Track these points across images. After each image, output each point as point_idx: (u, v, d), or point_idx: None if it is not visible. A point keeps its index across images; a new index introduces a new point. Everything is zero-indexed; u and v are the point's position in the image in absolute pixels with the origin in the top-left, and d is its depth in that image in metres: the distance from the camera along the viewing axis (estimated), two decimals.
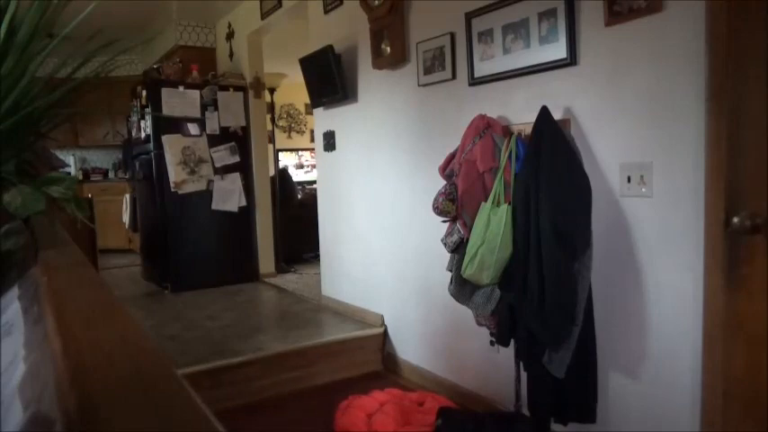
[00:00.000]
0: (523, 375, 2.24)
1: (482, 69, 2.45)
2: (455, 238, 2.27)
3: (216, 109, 4.77)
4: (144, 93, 4.64)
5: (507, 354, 2.34)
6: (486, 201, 2.12)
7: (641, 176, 1.88)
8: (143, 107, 4.69)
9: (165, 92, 4.55)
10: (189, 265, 4.70)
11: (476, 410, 2.56)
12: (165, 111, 4.50)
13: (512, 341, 2.19)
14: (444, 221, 2.34)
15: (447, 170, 2.36)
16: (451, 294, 2.34)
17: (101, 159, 7.71)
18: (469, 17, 2.47)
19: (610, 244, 1.99)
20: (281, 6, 4.28)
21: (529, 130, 2.07)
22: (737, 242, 1.64)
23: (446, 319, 2.82)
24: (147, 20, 5.72)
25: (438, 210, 2.30)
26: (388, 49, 3.04)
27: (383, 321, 3.30)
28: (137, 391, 0.37)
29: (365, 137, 3.41)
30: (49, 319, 0.54)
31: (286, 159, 8.42)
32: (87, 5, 1.15)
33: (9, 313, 0.76)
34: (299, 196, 6.18)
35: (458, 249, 2.26)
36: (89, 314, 0.57)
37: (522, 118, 2.23)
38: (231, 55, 5.34)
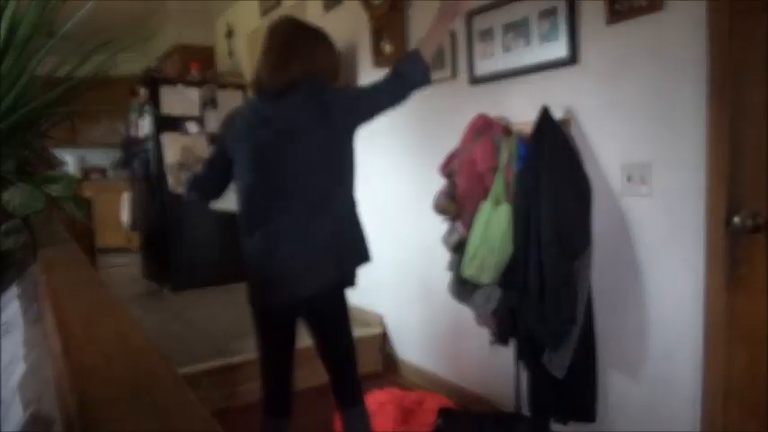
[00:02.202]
0: (523, 375, 2.24)
1: (482, 68, 2.45)
2: (455, 237, 2.26)
3: (215, 107, 4.76)
4: (143, 91, 4.63)
5: (507, 354, 2.34)
6: (486, 200, 2.11)
7: (642, 176, 1.88)
8: (142, 106, 4.68)
9: (164, 90, 4.54)
10: (188, 263, 4.69)
11: (476, 410, 2.56)
12: (164, 109, 4.49)
13: (512, 341, 2.18)
14: (445, 221, 2.34)
15: (447, 169, 2.36)
16: (451, 294, 2.33)
17: (100, 158, 7.70)
18: (470, 16, 2.46)
19: (610, 243, 1.99)
20: (280, 5, 4.27)
21: (529, 129, 2.07)
22: (738, 242, 1.64)
23: (446, 319, 2.82)
24: (146, 18, 5.72)
25: (438, 209, 2.30)
26: (388, 47, 3.04)
27: (383, 321, 3.30)
28: (136, 391, 0.37)
29: (364, 136, 3.40)
30: (49, 317, 0.54)
31: None
32: (86, 4, 1.15)
33: (9, 312, 0.76)
34: None
35: (458, 249, 2.26)
36: (88, 313, 0.57)
37: (523, 117, 2.22)
38: (230, 53, 5.34)
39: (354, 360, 1.75)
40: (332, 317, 1.71)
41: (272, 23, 1.71)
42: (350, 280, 1.70)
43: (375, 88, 1.63)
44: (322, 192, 1.63)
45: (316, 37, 1.69)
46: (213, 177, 1.79)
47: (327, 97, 1.60)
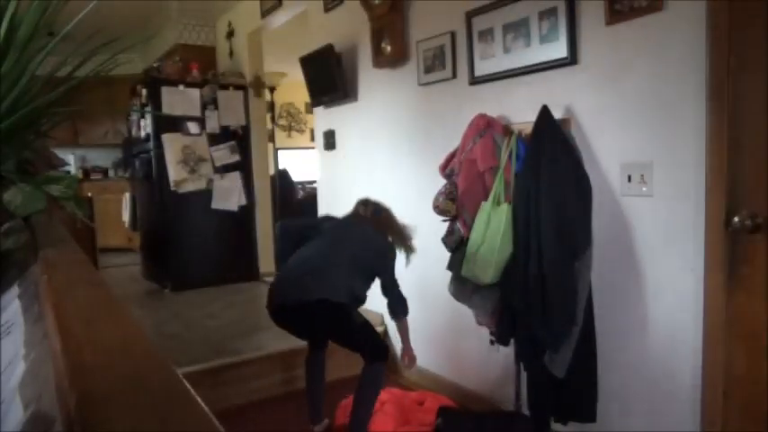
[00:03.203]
0: (523, 375, 2.24)
1: (482, 68, 2.45)
2: (455, 237, 2.26)
3: (216, 108, 4.76)
4: (144, 91, 4.63)
5: (507, 353, 2.34)
6: (486, 200, 2.12)
7: (642, 175, 1.88)
8: (143, 106, 4.68)
9: (165, 90, 4.54)
10: (189, 263, 4.69)
11: (476, 410, 2.56)
12: (165, 109, 4.49)
13: (512, 341, 2.19)
14: (444, 221, 2.34)
15: (447, 169, 2.36)
16: (452, 294, 2.34)
17: (101, 158, 7.70)
18: (470, 16, 2.46)
19: (610, 243, 1.99)
20: (281, 5, 4.28)
21: (529, 129, 2.07)
22: (738, 242, 1.64)
23: (446, 319, 2.82)
24: (147, 18, 5.72)
25: (438, 209, 2.30)
26: (389, 47, 3.04)
27: (383, 321, 3.29)
28: (137, 390, 0.37)
29: (365, 136, 3.40)
30: (49, 317, 0.54)
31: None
32: (87, 4, 1.15)
33: (9, 312, 0.76)
34: (300, 195, 6.18)
35: (458, 249, 2.26)
36: (89, 313, 0.57)
37: (523, 117, 2.22)
38: (231, 54, 5.34)
39: (365, 343, 2.23)
40: (337, 327, 2.26)
41: (382, 208, 2.53)
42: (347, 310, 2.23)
43: (393, 292, 2.38)
44: (347, 271, 2.27)
45: (402, 229, 2.48)
46: (299, 232, 2.47)
47: (380, 254, 2.37)
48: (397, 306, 2.36)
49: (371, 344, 2.24)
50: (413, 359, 2.43)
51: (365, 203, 2.52)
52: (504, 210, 2.04)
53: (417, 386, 2.96)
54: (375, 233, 2.39)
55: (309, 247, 2.35)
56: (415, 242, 2.47)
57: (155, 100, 4.52)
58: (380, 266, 2.33)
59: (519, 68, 2.26)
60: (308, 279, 2.19)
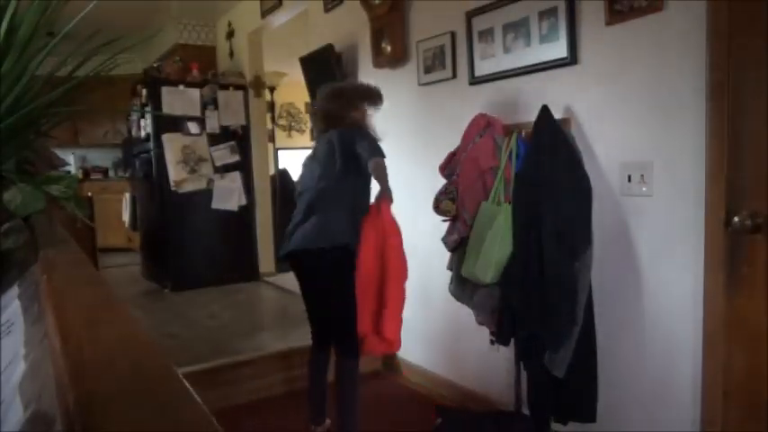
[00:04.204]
0: (523, 375, 2.24)
1: (482, 68, 2.45)
2: (455, 237, 2.26)
3: (216, 108, 4.76)
4: (144, 91, 4.63)
5: (507, 353, 2.34)
6: (486, 200, 2.12)
7: (642, 176, 1.88)
8: (143, 106, 4.68)
9: (165, 90, 4.54)
10: (189, 263, 4.70)
11: (476, 410, 2.56)
12: (165, 109, 4.49)
13: (512, 340, 2.19)
14: (444, 221, 2.34)
15: (447, 169, 2.36)
16: (452, 294, 2.34)
17: (101, 158, 7.70)
18: (470, 16, 2.46)
19: (610, 243, 1.99)
20: (281, 5, 4.28)
21: (529, 129, 2.07)
22: (738, 242, 1.64)
23: (446, 319, 2.82)
24: (148, 18, 5.72)
25: (438, 209, 2.30)
26: (389, 47, 3.04)
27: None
28: (137, 390, 0.37)
29: None
30: (49, 317, 0.54)
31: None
32: (87, 4, 1.15)
33: (9, 312, 0.76)
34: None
35: (458, 248, 2.26)
36: (89, 313, 0.57)
37: (523, 117, 2.22)
38: (231, 54, 5.34)
39: (345, 318, 2.22)
40: (330, 280, 2.22)
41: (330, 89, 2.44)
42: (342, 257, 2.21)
43: (371, 150, 2.20)
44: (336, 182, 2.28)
45: (349, 102, 2.35)
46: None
47: (350, 136, 2.25)
48: (375, 157, 2.15)
49: (349, 327, 2.22)
50: (388, 202, 2.24)
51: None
52: (504, 209, 2.04)
53: (417, 385, 2.96)
54: (342, 131, 2.28)
55: (302, 178, 2.50)
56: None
57: (155, 100, 4.52)
58: (353, 143, 2.20)
59: (519, 68, 2.26)
60: (308, 225, 2.25)
